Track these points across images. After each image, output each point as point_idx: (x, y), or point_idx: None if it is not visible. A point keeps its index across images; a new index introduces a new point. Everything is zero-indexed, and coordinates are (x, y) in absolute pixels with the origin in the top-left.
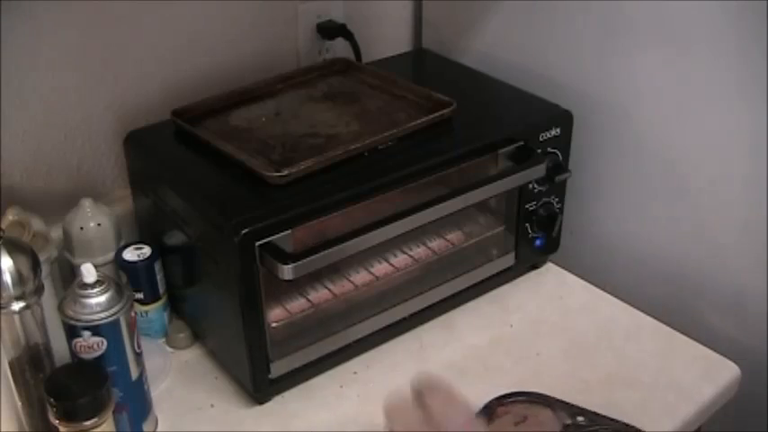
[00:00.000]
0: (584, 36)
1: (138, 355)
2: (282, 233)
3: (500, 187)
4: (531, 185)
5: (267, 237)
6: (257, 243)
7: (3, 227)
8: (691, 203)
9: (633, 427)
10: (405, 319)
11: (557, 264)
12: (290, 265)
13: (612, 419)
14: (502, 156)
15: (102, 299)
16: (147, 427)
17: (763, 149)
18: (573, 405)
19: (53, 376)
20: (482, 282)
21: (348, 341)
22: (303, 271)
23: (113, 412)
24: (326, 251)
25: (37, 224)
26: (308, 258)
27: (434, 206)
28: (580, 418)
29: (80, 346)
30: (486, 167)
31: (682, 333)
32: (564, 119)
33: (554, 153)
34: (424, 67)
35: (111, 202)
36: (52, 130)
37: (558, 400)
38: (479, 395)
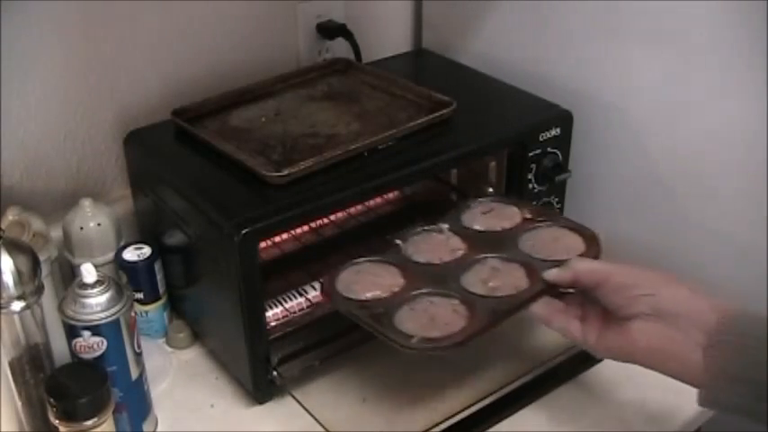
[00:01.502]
0: (584, 36)
1: (138, 355)
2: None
3: None
4: (531, 185)
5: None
6: None
7: (3, 227)
8: (691, 203)
9: (586, 227)
10: None
11: None
12: None
13: (569, 220)
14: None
15: (102, 299)
16: (147, 427)
17: (763, 149)
18: (542, 209)
19: (53, 376)
20: None
21: (348, 341)
22: None
23: (113, 412)
24: None
25: (37, 224)
26: None
27: None
28: (541, 218)
29: (80, 346)
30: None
31: None
32: (564, 119)
33: (554, 153)
34: (424, 67)
35: (111, 202)
36: (52, 130)
37: (528, 203)
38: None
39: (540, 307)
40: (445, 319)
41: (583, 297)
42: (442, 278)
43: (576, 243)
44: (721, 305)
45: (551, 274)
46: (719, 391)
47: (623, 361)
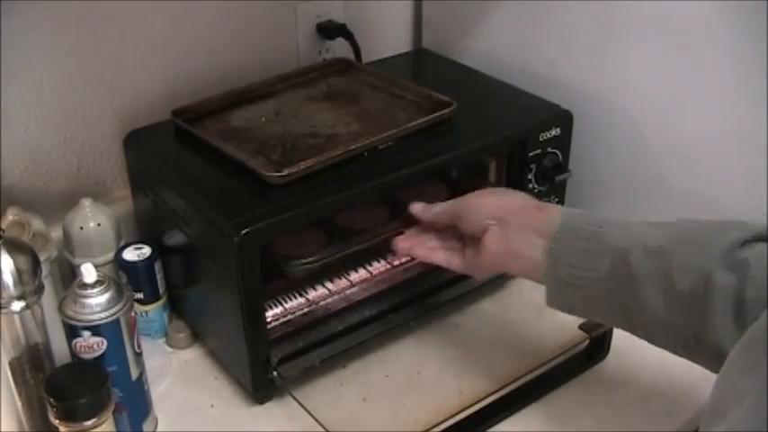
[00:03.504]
0: (584, 36)
1: (138, 355)
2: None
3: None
4: (531, 185)
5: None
6: None
7: (3, 227)
8: (691, 203)
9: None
10: (405, 319)
11: None
12: None
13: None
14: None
15: (102, 299)
16: (147, 427)
17: (763, 149)
18: None
19: (53, 376)
20: (482, 282)
21: (348, 341)
22: None
23: (113, 412)
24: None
25: (37, 224)
26: None
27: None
28: None
29: (80, 346)
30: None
31: None
32: (564, 119)
33: (554, 153)
34: (424, 67)
35: (111, 202)
36: (52, 130)
37: None
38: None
39: (421, 248)
40: (310, 244)
41: (457, 232)
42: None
43: (441, 193)
44: (560, 211)
45: (415, 208)
46: (558, 293)
47: (496, 273)
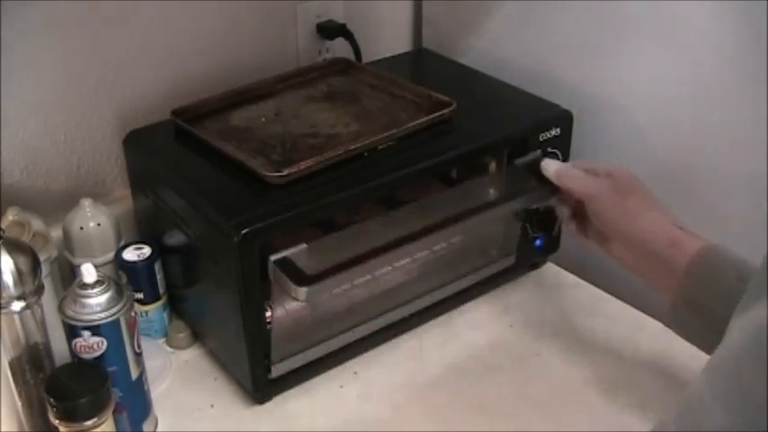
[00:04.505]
0: (585, 36)
1: (138, 355)
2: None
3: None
4: None
5: (270, 241)
6: (272, 258)
7: (3, 227)
8: (690, 203)
9: None
10: (404, 318)
11: (557, 264)
12: (304, 288)
13: None
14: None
15: (102, 299)
16: (147, 427)
17: (764, 149)
18: None
19: (53, 376)
20: (482, 282)
21: (348, 341)
22: (318, 293)
23: (113, 412)
24: (341, 275)
25: (37, 224)
26: (323, 282)
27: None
28: None
29: (80, 346)
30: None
31: None
32: (564, 119)
33: (554, 153)
34: (424, 67)
35: (111, 202)
36: (52, 130)
37: None
38: (479, 395)
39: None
40: None
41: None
42: None
43: (441, 194)
44: (702, 241)
45: (549, 165)
46: (682, 315)
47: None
